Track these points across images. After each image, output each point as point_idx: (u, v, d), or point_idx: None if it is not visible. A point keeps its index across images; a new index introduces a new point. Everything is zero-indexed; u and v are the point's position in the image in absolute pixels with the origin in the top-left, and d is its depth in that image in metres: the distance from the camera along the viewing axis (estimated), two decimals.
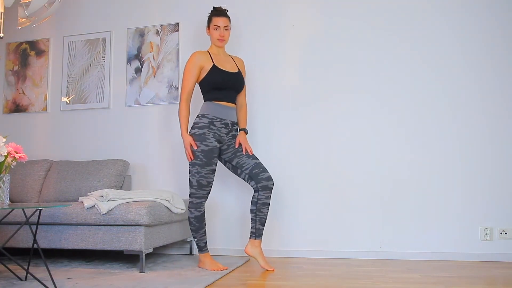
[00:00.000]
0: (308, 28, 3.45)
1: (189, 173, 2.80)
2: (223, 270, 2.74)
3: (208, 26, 2.93)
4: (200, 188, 2.77)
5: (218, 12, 2.91)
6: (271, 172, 3.05)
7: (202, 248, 2.84)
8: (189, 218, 2.82)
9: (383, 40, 3.31)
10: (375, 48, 3.31)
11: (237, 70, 2.94)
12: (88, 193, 3.01)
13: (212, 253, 3.38)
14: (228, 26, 2.92)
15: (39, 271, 2.73)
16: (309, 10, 3.46)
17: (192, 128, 2.83)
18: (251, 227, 2.85)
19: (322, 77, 3.38)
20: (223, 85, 2.86)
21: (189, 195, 2.82)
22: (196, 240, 2.84)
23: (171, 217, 2.99)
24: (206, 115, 2.82)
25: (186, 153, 2.80)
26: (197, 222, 2.80)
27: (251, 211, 2.84)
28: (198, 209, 2.80)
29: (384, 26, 3.32)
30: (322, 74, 3.39)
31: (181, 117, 2.83)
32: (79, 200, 2.98)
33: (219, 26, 2.89)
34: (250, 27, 3.54)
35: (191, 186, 2.80)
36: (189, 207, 2.82)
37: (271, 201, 3.08)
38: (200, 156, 2.75)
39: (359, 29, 3.35)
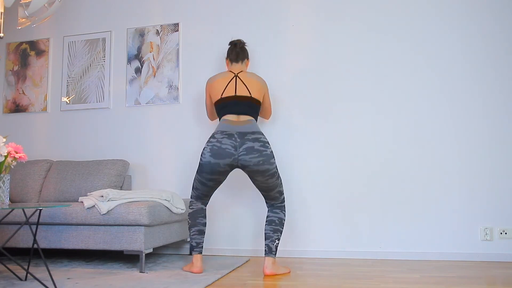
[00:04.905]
0: (308, 28, 3.45)
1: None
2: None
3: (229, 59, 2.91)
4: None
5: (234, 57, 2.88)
6: None
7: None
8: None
9: (383, 41, 3.31)
10: (375, 48, 3.31)
11: None
12: (88, 193, 3.01)
13: (213, 253, 3.38)
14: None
15: (39, 271, 2.73)
16: (309, 10, 3.46)
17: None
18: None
19: (322, 77, 3.38)
20: None
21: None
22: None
23: (171, 217, 2.99)
24: None
25: None
26: None
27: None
28: None
29: (384, 26, 3.32)
30: (322, 74, 3.39)
31: None
32: (79, 200, 2.98)
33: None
34: (250, 27, 3.54)
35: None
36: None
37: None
38: None
39: (359, 29, 3.35)
